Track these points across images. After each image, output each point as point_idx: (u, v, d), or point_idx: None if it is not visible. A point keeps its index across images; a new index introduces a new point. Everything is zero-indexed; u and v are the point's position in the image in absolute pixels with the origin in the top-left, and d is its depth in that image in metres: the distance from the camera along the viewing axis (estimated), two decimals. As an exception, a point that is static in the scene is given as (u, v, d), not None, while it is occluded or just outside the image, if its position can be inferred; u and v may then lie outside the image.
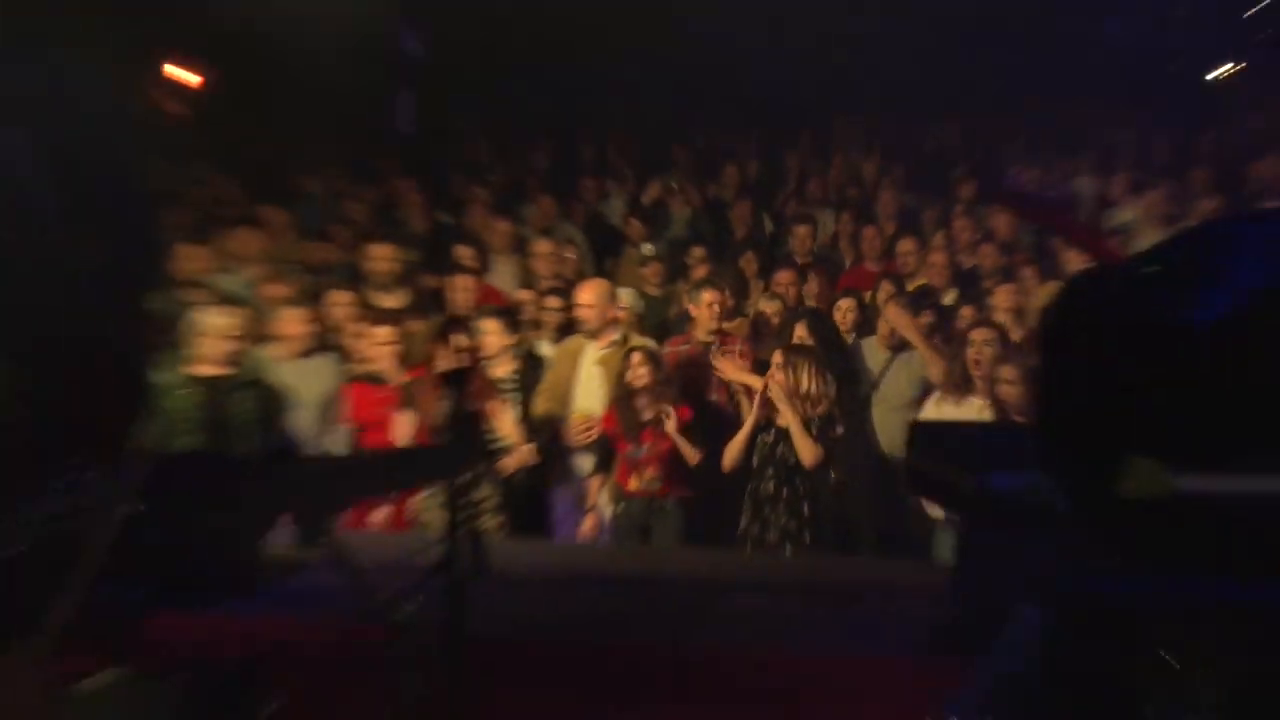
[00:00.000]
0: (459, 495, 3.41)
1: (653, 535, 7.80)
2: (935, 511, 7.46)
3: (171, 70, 12.91)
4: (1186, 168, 11.73)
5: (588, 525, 8.01)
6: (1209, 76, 14.48)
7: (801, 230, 11.09)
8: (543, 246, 10.48)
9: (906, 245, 10.48)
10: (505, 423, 7.99)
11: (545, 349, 8.80)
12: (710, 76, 14.21)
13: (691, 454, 7.75)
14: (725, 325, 8.85)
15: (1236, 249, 2.19)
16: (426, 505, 7.50)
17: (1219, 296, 2.14)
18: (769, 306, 9.32)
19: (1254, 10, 13.46)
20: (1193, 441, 2.23)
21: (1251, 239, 2.22)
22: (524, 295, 9.70)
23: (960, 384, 7.71)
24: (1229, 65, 14.34)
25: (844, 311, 8.99)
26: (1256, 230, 2.24)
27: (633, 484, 7.85)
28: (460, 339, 6.56)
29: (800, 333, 8.15)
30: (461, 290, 8.92)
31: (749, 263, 10.74)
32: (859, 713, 4.91)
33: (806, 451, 7.46)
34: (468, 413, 4.76)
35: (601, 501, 8.02)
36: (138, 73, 11.60)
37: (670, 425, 7.67)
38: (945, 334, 8.42)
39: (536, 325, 9.12)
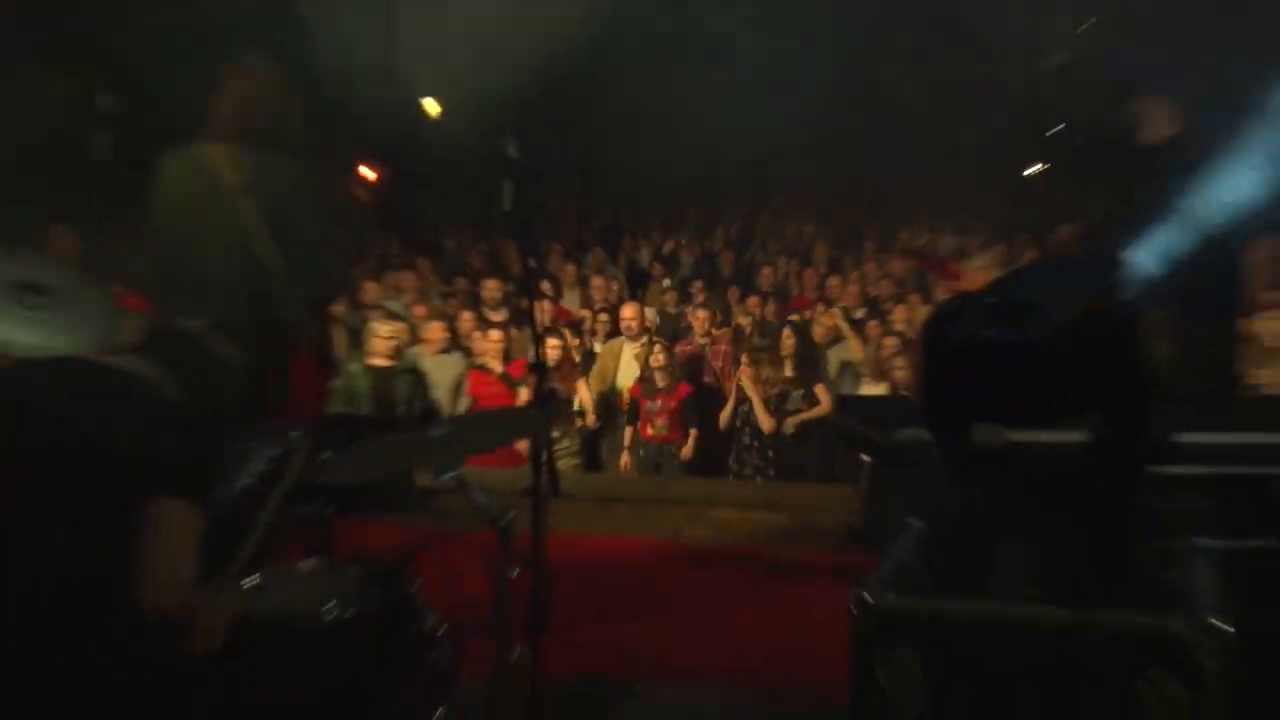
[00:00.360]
0: (542, 443, 3.39)
1: (663, 469, 7.76)
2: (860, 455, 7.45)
3: (360, 168, 13.13)
4: (1015, 232, 11.82)
5: (624, 462, 7.98)
6: (1026, 173, 14.92)
7: (765, 271, 11.20)
8: (597, 281, 10.55)
9: (834, 281, 10.57)
10: (583, 395, 8.00)
11: (597, 348, 8.82)
12: (707, 170, 14.47)
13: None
14: (715, 332, 8.97)
15: (1046, 287, 2.19)
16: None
17: (1033, 319, 2.14)
18: (744, 320, 9.51)
19: (1052, 131, 14.36)
20: (1016, 413, 2.22)
21: (1055, 281, 2.21)
22: (584, 313, 9.81)
23: (877, 373, 7.72)
24: (1039, 165, 14.81)
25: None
26: (1058, 275, 2.23)
27: (649, 431, 7.83)
28: (546, 343, 6.56)
29: (787, 333, 8.07)
30: (543, 310, 9.00)
31: (732, 293, 10.78)
32: (802, 585, 4.88)
33: (765, 421, 7.49)
34: (551, 389, 4.77)
35: (631, 446, 8.00)
36: (336, 171, 11.79)
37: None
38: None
39: (592, 333, 9.15)
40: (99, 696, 2.26)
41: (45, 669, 2.20)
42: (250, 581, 2.84)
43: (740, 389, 7.69)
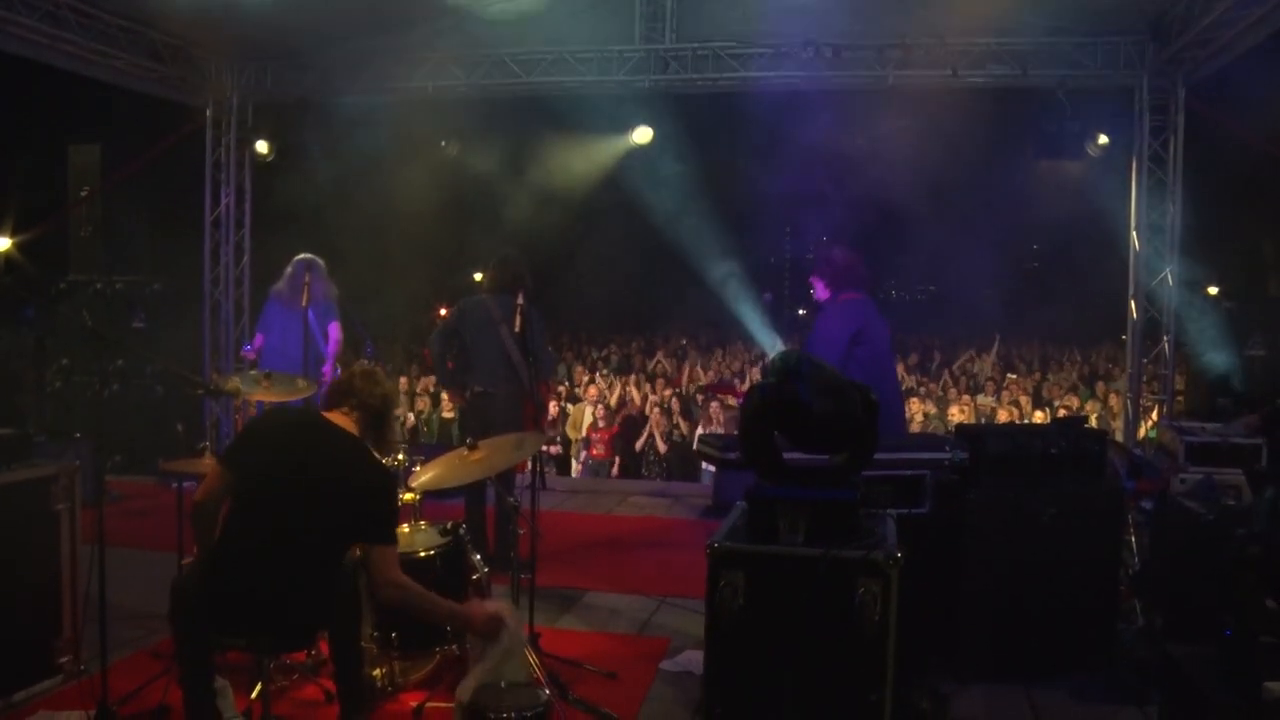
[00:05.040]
0: (537, 460, 3.36)
1: (600, 474, 7.46)
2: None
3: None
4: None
5: (577, 470, 7.70)
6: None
7: (660, 367, 10.40)
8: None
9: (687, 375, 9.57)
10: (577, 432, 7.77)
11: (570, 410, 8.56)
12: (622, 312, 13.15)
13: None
14: (635, 395, 8.51)
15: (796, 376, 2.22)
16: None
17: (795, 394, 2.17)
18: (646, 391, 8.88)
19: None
20: (790, 443, 2.25)
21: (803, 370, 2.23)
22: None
23: (729, 423, 7.42)
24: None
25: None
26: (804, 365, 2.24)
27: (595, 453, 7.55)
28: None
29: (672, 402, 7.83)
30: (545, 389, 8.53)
31: (641, 378, 10.00)
32: (681, 538, 4.87)
33: (661, 446, 7.37)
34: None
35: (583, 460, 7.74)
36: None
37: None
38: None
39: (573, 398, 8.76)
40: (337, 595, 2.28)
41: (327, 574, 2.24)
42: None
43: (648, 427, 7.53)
